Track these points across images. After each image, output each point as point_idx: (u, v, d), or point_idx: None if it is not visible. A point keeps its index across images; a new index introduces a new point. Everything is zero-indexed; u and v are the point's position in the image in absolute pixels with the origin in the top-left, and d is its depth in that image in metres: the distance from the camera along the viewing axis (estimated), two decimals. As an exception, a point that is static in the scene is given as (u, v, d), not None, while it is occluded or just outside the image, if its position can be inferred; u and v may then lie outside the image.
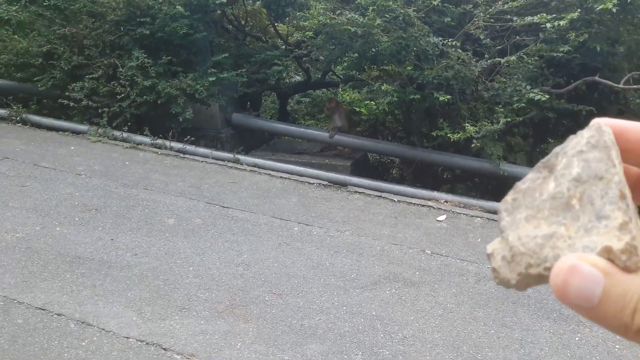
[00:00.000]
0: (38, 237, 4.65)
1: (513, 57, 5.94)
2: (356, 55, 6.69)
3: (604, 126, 0.36)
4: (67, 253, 4.45)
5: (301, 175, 6.44)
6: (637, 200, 0.39)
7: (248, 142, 8.01)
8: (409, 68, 6.31)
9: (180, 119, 6.99)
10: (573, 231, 0.34)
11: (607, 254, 0.32)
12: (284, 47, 8.21)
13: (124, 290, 4.02)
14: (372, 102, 5.98)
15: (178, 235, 4.85)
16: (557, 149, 0.38)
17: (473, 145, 5.84)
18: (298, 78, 9.00)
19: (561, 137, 6.55)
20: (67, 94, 7.22)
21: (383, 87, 6.00)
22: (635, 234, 0.33)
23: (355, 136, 7.27)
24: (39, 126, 7.47)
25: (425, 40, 6.04)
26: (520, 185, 0.38)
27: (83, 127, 7.33)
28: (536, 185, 0.37)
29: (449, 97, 5.97)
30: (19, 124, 7.47)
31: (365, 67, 6.83)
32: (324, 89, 9.27)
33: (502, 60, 5.93)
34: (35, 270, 4.19)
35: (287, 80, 8.40)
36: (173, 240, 4.74)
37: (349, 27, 6.06)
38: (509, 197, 0.39)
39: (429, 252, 4.81)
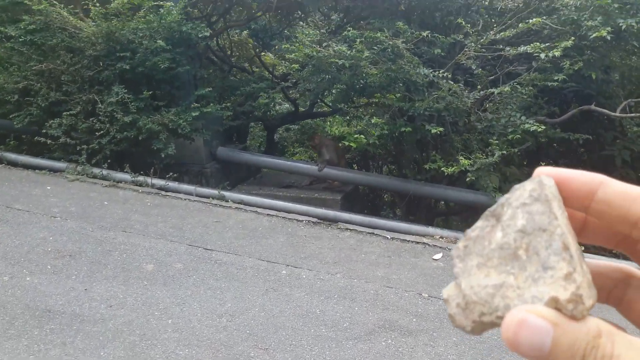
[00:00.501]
0: (5, 288, 4.31)
1: (507, 88, 5.75)
2: (344, 87, 6.48)
3: (545, 178, 0.38)
4: (36, 306, 4.11)
5: (289, 212, 6.15)
6: (585, 240, 0.42)
7: (234, 176, 7.74)
8: (399, 100, 6.10)
9: (162, 155, 6.72)
10: (521, 281, 0.36)
11: (555, 303, 0.34)
12: (270, 78, 8.01)
13: (96, 348, 3.68)
14: (362, 136, 5.74)
15: (157, 282, 4.52)
16: (502, 200, 0.39)
17: (468, 178, 5.60)
18: (286, 106, 8.77)
19: (557, 165, 6.33)
20: (44, 131, 6.93)
21: (373, 120, 5.76)
22: (580, 281, 0.34)
23: (346, 169, 7.02)
24: (15, 164, 7.16)
25: (415, 71, 5.84)
26: (470, 232, 0.40)
27: (61, 165, 7.03)
28: (485, 233, 0.39)
29: (441, 129, 5.75)
30: (-6, 163, 7.16)
31: (354, 98, 6.62)
32: (312, 120, 9.04)
33: (495, 91, 5.74)
34: (0, 327, 3.84)
35: (274, 112, 8.17)
36: (151, 289, 4.42)
37: (336, 60, 5.86)
38: (460, 244, 0.40)
39: (426, 295, 4.51)
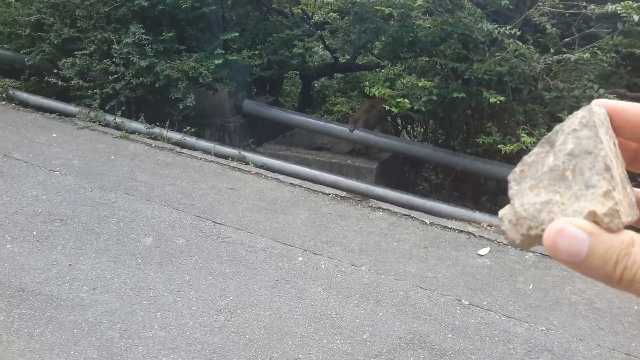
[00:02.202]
0: (-19, 256, 3.77)
1: (586, 54, 4.73)
2: (390, 40, 5.56)
3: (595, 107, 0.40)
4: (9, 282, 3.55)
5: (316, 181, 5.41)
6: (637, 169, 0.44)
7: (261, 132, 6.99)
8: (453, 59, 5.17)
9: (181, 106, 6.01)
10: (566, 198, 0.39)
11: (593, 217, 0.37)
12: (307, 25, 7.10)
13: (67, 345, 3.10)
14: (406, 101, 4.87)
15: (152, 261, 3.90)
16: (557, 127, 0.42)
17: (528, 159, 4.68)
18: (327, 55, 7.83)
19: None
20: (56, 71, 6.29)
21: (420, 83, 4.87)
22: (619, 199, 0.37)
23: (383, 135, 6.18)
24: (25, 104, 6.60)
25: (476, 26, 4.87)
26: (526, 158, 0.43)
27: (73, 109, 6.43)
28: (539, 158, 0.42)
29: (502, 98, 4.82)
30: (3, 102, 6.61)
31: (401, 54, 5.69)
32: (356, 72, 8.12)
33: (572, 57, 4.73)
34: (-36, 306, 3.31)
35: (311, 63, 7.27)
36: (144, 270, 3.80)
37: (382, 8, 4.93)
38: (517, 168, 0.43)
39: (466, 302, 3.75)
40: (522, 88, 5.16)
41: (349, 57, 7.72)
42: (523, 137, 4.70)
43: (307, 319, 3.46)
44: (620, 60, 5.33)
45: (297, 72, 7.98)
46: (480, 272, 4.10)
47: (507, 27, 4.82)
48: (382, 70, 5.97)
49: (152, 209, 4.58)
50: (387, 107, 5.05)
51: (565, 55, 4.89)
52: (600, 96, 4.83)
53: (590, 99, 4.94)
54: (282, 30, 7.09)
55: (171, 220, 4.45)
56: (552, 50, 5.30)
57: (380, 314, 3.55)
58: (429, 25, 4.86)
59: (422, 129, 7.18)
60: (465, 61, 5.29)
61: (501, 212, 0.43)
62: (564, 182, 0.39)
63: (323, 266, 4.02)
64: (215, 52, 6.01)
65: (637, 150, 0.43)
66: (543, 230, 0.39)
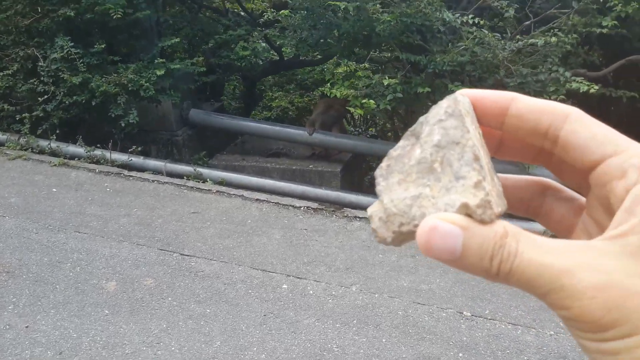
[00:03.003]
0: None
1: (553, 38, 4.61)
2: (344, 36, 5.26)
3: (459, 96, 0.39)
4: (-44, 359, 3.04)
5: (282, 194, 5.07)
6: (504, 156, 0.43)
7: (210, 142, 6.56)
8: (412, 52, 4.94)
9: (123, 124, 5.49)
10: (436, 191, 0.38)
11: (465, 209, 0.36)
12: (249, 22, 6.68)
13: None
14: (372, 101, 4.60)
15: (121, 310, 3.47)
16: (421, 119, 0.40)
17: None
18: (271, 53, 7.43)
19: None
20: (-27, 96, 5.61)
21: (385, 81, 4.61)
22: (489, 189, 0.36)
23: (343, 135, 5.91)
24: (-58, 137, 5.87)
25: (436, 15, 4.65)
26: (392, 152, 0.41)
27: (0, 137, 5.76)
28: (405, 152, 0.40)
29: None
30: None
31: (356, 50, 5.41)
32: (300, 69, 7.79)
33: (539, 42, 4.60)
34: None
35: (255, 63, 6.87)
36: (114, 321, 3.36)
37: (337, 2, 4.62)
38: (383, 163, 0.41)
39: (468, 313, 3.56)
40: (486, 77, 5.00)
41: (291, 55, 7.39)
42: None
43: (307, 356, 3.15)
44: (578, 40, 5.27)
45: (239, 73, 7.54)
46: (474, 278, 3.90)
47: (469, 15, 4.63)
48: (339, 68, 5.67)
49: (109, 246, 4.11)
50: (352, 110, 4.77)
51: (529, 40, 4.77)
52: (566, 79, 4.76)
53: (556, 82, 4.86)
54: (220, 30, 6.65)
55: (133, 257, 4.00)
56: (509, 35, 5.18)
57: (384, 340, 3.29)
58: (389, 18, 4.59)
59: (381, 125, 6.95)
60: (423, 53, 5.09)
61: (370, 210, 0.41)
62: (432, 174, 0.38)
63: (311, 292, 3.71)
64: (156, 61, 5.51)
65: (501, 138, 0.42)
66: (415, 225, 0.37)
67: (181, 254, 4.06)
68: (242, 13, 7.20)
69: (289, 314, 3.49)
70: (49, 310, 3.44)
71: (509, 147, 0.42)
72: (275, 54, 7.22)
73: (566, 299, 0.33)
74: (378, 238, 0.40)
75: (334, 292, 3.71)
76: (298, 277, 3.85)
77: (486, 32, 4.67)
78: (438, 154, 0.38)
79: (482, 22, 4.74)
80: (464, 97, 0.39)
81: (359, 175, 6.47)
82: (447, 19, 4.62)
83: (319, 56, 7.12)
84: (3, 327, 3.27)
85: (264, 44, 6.18)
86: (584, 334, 0.34)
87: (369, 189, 6.02)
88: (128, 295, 3.60)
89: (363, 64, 5.41)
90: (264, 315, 3.47)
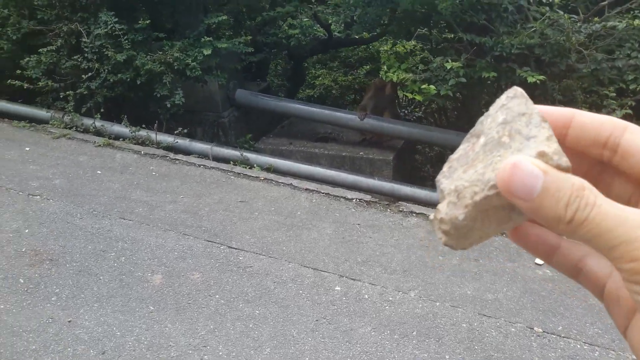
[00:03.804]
0: (-41, 320, 3.10)
1: (636, 21, 4.17)
2: (401, 15, 4.90)
3: (519, 88, 0.39)
4: (-2, 355, 2.91)
5: (334, 183, 4.82)
6: None
7: (256, 124, 6.33)
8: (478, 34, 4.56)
9: (168, 105, 5.29)
10: (508, 154, 0.37)
11: (542, 157, 0.36)
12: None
13: None
14: (432, 87, 4.26)
15: (167, 306, 3.29)
16: (481, 118, 0.40)
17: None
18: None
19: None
20: (19, 72, 5.47)
21: (447, 65, 4.25)
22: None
23: (397, 121, 5.58)
24: (-12, 111, 5.79)
25: (506, -5, 4.25)
26: (452, 156, 0.41)
27: (45, 114, 5.65)
28: (467, 150, 0.40)
29: (541, 77, 4.25)
30: (-39, 111, 5.78)
31: (413, 30, 5.04)
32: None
33: (620, 25, 4.16)
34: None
35: (304, 40, 6.55)
36: (159, 319, 3.19)
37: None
38: (445, 167, 0.41)
39: (540, 329, 3.25)
40: (556, 61, 4.59)
41: (342, 34, 7.05)
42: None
43: (363, 370, 2.92)
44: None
45: (286, 51, 7.24)
46: (545, 288, 3.60)
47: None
48: (385, 46, 5.31)
49: (155, 235, 3.94)
50: (410, 95, 4.43)
51: (609, 23, 4.33)
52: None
53: (636, 69, 4.43)
54: (266, 5, 6.34)
55: (180, 249, 3.82)
56: (582, 16, 4.74)
57: (447, 357, 3.03)
58: (452, -5, 4.22)
59: (435, 113, 6.57)
60: (487, 34, 4.70)
61: (434, 214, 0.40)
62: (502, 147, 0.38)
63: (366, 296, 3.46)
64: (202, 39, 5.26)
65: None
66: (490, 187, 0.37)
67: (229, 247, 3.86)
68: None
69: (343, 320, 3.25)
70: (93, 303, 3.29)
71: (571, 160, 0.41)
72: (324, 31, 6.89)
73: (638, 249, 0.34)
74: (447, 225, 0.39)
75: (390, 298, 3.45)
76: (352, 279, 3.60)
77: (560, 12, 4.24)
78: (505, 129, 0.38)
79: (556, 1, 4.31)
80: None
81: (411, 163, 6.15)
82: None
83: (369, 34, 6.77)
84: (46, 321, 3.13)
85: (310, 21, 5.83)
86: None
87: (423, 181, 5.71)
88: (174, 290, 3.42)
89: (420, 45, 5.06)
90: (316, 321, 3.24)
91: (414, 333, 3.18)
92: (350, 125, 5.68)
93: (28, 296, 3.31)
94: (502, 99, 0.39)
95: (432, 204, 4.57)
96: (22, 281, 3.43)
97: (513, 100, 0.39)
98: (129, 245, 3.82)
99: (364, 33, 6.83)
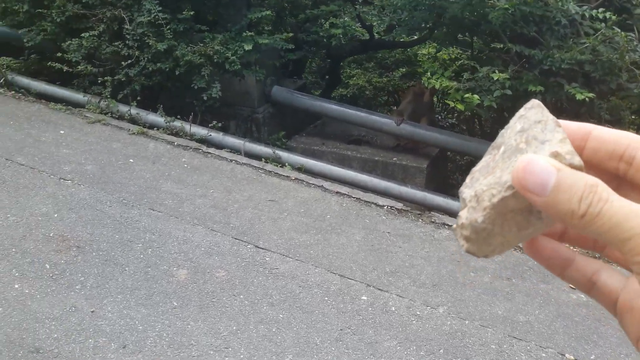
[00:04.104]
0: (-15, 300, 3.11)
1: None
2: (448, 22, 4.77)
3: (537, 101, 0.41)
4: (21, 339, 2.90)
5: (364, 188, 4.72)
6: None
7: (290, 121, 6.27)
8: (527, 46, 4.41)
9: (205, 97, 5.26)
10: None
11: (555, 157, 0.37)
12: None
13: None
14: (475, 96, 4.13)
15: (190, 303, 3.24)
16: (501, 131, 0.42)
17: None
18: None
19: None
20: (60, 54, 5.51)
21: (494, 75, 4.12)
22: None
23: (434, 128, 5.46)
24: (27, 91, 5.85)
25: (560, 6, 4.09)
26: (474, 168, 0.43)
27: (81, 98, 5.68)
28: (489, 160, 0.42)
29: (591, 94, 4.08)
30: (2, 89, 5.84)
31: (460, 38, 4.91)
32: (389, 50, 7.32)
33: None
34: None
35: (345, 41, 6.45)
36: (182, 316, 3.15)
37: (449, -16, 4.14)
38: (467, 179, 0.43)
39: (572, 356, 3.12)
40: (607, 79, 4.41)
41: (382, 34, 6.93)
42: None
43: (386, 386, 2.83)
44: None
45: (325, 50, 7.15)
46: (578, 313, 3.46)
47: (600, 10, 4.04)
48: (423, 49, 5.17)
49: (183, 229, 3.90)
50: (452, 104, 4.31)
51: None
52: None
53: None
54: (308, 3, 6.26)
55: (207, 244, 3.78)
56: (637, 34, 4.54)
57: (475, 379, 2.92)
58: (506, 5, 4.07)
59: (468, 121, 6.42)
60: (536, 47, 4.54)
61: (457, 220, 0.42)
62: (519, 152, 0.39)
63: (393, 308, 3.36)
64: (244, 34, 5.22)
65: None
66: (509, 187, 0.38)
67: (256, 246, 3.80)
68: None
69: (368, 331, 3.16)
70: (117, 295, 3.26)
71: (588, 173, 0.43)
72: (364, 32, 6.78)
73: None
74: (468, 230, 0.40)
75: (418, 312, 3.35)
76: (379, 289, 3.51)
77: (617, 29, 4.07)
78: (522, 136, 0.39)
79: (613, 18, 4.14)
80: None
81: (445, 172, 6.02)
82: (574, 11, 4.05)
83: (410, 38, 6.65)
84: (69, 309, 3.11)
85: (353, 22, 5.73)
86: None
87: (454, 189, 5.57)
88: (199, 287, 3.38)
89: (463, 53, 4.92)
90: (341, 330, 3.16)
91: (441, 351, 3.07)
92: (385, 130, 5.57)
93: (53, 282, 3.31)
94: (521, 111, 0.41)
95: (466, 217, 4.44)
96: (47, 267, 3.43)
97: (530, 111, 0.41)
98: (156, 237, 3.79)
99: (405, 36, 6.72)
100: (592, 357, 3.13)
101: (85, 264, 3.48)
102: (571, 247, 0.45)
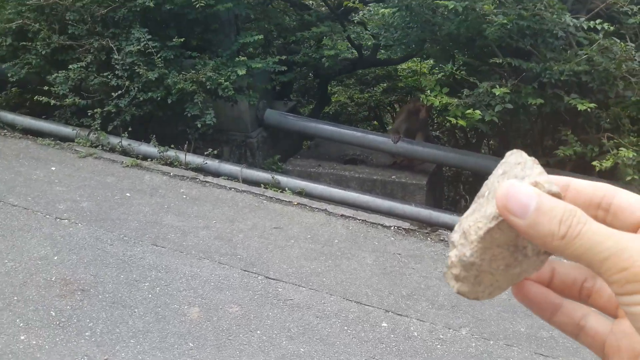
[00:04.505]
0: (-11, 354, 2.95)
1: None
2: (444, 38, 4.77)
3: (519, 151, 0.44)
4: (32, 394, 2.75)
5: (369, 209, 4.65)
6: None
7: (282, 144, 6.20)
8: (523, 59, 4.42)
9: (199, 125, 5.16)
10: None
11: (535, 185, 0.39)
12: (327, 17, 6.23)
13: None
14: (477, 112, 4.11)
15: (207, 343, 3.12)
16: (485, 182, 0.44)
17: (630, 177, 3.99)
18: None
19: None
20: (46, 88, 5.36)
21: (496, 91, 4.10)
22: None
23: (432, 145, 5.43)
24: (12, 127, 5.68)
25: (556, 19, 4.11)
26: (462, 217, 0.44)
27: (70, 132, 5.53)
28: (475, 208, 0.43)
29: (592, 105, 4.09)
30: (-15, 126, 5.67)
31: (455, 53, 4.91)
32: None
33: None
34: None
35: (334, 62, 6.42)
36: (200, 358, 3.02)
37: (445, 2, 4.13)
38: (455, 227, 0.44)
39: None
40: (605, 89, 4.43)
41: (368, 52, 6.93)
42: (621, 151, 3.98)
43: (419, 418, 2.73)
44: None
45: (313, 71, 7.11)
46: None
47: (598, 21, 4.07)
48: (435, 72, 5.17)
49: (189, 264, 3.78)
50: (453, 120, 4.28)
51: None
52: None
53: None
54: (296, 25, 6.23)
55: (215, 279, 3.66)
56: (632, 44, 4.58)
57: (507, 403, 2.84)
58: (504, 21, 4.08)
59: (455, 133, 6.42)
60: (532, 60, 4.56)
61: (446, 262, 0.43)
62: None
63: (415, 333, 3.28)
64: (236, 59, 5.14)
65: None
66: (494, 217, 0.40)
67: (266, 277, 3.70)
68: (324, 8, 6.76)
69: (394, 360, 3.08)
70: (129, 340, 3.12)
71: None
72: (352, 51, 6.77)
73: (628, 259, 0.36)
74: (460, 264, 0.42)
75: (441, 336, 3.27)
76: (398, 314, 3.43)
77: (615, 39, 4.10)
78: (504, 178, 0.42)
79: (610, 28, 4.17)
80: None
81: (439, 188, 5.99)
82: (570, 23, 4.07)
83: (398, 56, 6.65)
84: (81, 359, 2.97)
85: (346, 44, 5.71)
86: (636, 297, 0.36)
87: (454, 204, 5.55)
88: (213, 325, 3.26)
89: (458, 70, 4.91)
90: (365, 360, 3.06)
91: (470, 377, 3.00)
92: (382, 148, 5.53)
93: (60, 331, 3.15)
94: (503, 159, 0.44)
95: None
96: (53, 314, 3.28)
97: (511, 157, 0.43)
98: (162, 275, 3.66)
99: (391, 54, 6.73)
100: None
101: (92, 308, 3.34)
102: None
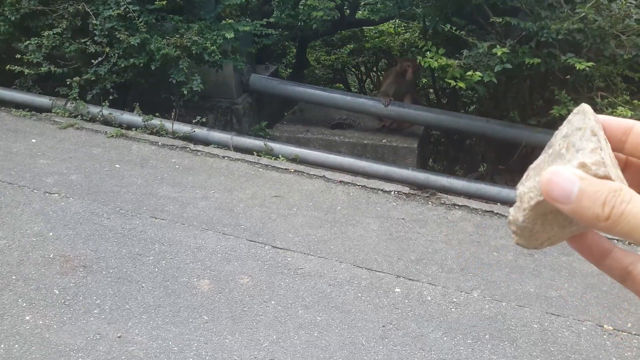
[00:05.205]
0: (-5, 337, 2.82)
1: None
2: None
3: (587, 106, 0.44)
4: (47, 376, 2.65)
5: (366, 175, 4.61)
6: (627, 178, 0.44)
7: (267, 110, 6.06)
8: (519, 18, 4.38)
9: (185, 91, 4.97)
10: (562, 165, 0.41)
11: (582, 167, 0.40)
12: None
13: None
14: (477, 73, 4.07)
15: (222, 315, 3.06)
16: (556, 132, 0.45)
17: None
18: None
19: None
20: (18, 56, 5.06)
21: (497, 51, 4.06)
22: (606, 159, 0.40)
23: (423, 107, 5.40)
24: (-18, 99, 5.36)
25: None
26: (530, 166, 0.45)
27: (45, 101, 5.26)
28: (542, 160, 0.45)
29: (590, 64, 4.11)
30: (-47, 98, 5.33)
31: (449, 14, 4.84)
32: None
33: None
34: None
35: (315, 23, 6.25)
36: (217, 330, 2.96)
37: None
38: (523, 177, 0.45)
39: (610, 327, 3.15)
40: (601, 48, 4.45)
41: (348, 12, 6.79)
42: (620, 109, 4.02)
43: (444, 380, 2.76)
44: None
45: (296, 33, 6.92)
46: (604, 282, 3.50)
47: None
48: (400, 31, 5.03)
49: (193, 236, 3.68)
50: (452, 83, 4.24)
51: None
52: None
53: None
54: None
55: (222, 250, 3.57)
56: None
57: (525, 359, 2.90)
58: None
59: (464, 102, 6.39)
60: (532, 20, 4.53)
61: (509, 213, 0.45)
62: (560, 158, 0.42)
63: (429, 297, 3.30)
64: (223, 22, 4.94)
65: (625, 162, 0.47)
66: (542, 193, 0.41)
67: (273, 247, 3.63)
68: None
69: (411, 325, 3.08)
70: (140, 315, 3.03)
71: (632, 174, 0.47)
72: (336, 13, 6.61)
73: None
74: (514, 226, 0.44)
75: (455, 299, 3.29)
76: (410, 279, 3.43)
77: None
78: (565, 142, 0.42)
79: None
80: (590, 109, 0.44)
81: (430, 149, 5.99)
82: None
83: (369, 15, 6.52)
84: (93, 337, 2.87)
85: (333, 3, 5.55)
86: None
87: (448, 169, 5.56)
88: (225, 297, 3.19)
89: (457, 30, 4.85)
90: (383, 327, 3.06)
91: (487, 336, 3.03)
92: (372, 112, 5.47)
93: (67, 309, 3.04)
94: (570, 116, 0.44)
95: (470, 195, 4.42)
96: (57, 292, 3.15)
97: (576, 116, 0.44)
98: (166, 248, 3.55)
99: (369, 14, 6.60)
100: (628, 325, 3.17)
101: (97, 284, 3.22)
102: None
